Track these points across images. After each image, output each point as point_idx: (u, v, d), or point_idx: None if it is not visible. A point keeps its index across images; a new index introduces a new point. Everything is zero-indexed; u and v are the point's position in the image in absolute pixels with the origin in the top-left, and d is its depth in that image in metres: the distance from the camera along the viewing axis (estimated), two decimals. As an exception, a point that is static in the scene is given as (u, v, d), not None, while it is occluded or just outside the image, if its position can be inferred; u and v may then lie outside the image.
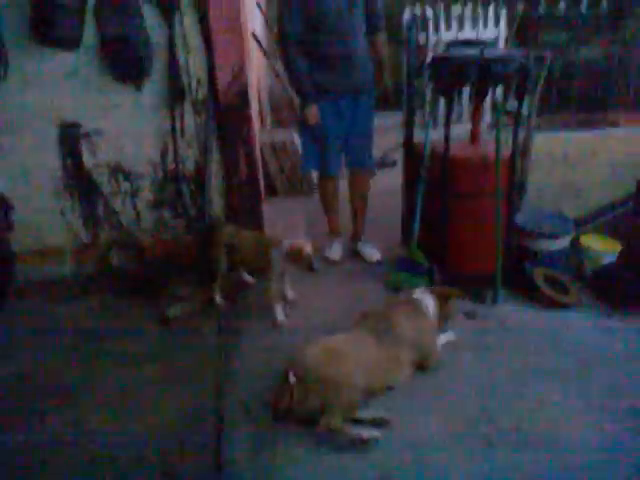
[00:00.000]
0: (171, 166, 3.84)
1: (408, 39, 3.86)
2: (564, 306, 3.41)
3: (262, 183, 4.10)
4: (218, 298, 3.58)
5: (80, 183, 3.83)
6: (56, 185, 3.82)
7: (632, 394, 2.71)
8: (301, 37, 3.56)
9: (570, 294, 3.47)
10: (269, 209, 4.60)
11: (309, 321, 3.40)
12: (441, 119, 6.28)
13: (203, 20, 3.50)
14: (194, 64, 3.62)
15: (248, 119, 3.74)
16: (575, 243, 3.77)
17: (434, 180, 3.67)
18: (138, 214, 3.95)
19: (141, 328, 3.44)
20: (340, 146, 3.90)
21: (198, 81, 3.66)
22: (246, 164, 3.80)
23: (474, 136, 3.68)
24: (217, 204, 3.93)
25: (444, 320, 3.06)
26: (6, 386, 3.01)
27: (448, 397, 2.74)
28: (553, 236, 3.63)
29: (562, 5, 6.69)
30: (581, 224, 4.01)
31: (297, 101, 3.91)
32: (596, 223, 4.07)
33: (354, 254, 4.26)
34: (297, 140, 5.58)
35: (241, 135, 3.74)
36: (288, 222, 4.94)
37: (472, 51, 3.32)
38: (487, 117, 6.84)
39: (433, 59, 3.54)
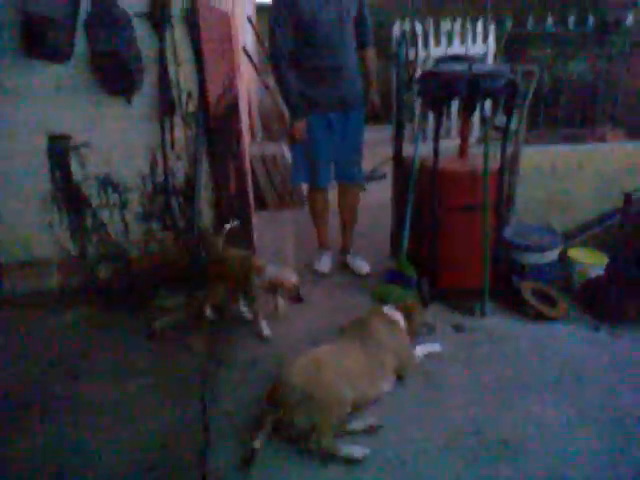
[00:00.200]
0: (160, 179, 3.84)
1: (398, 54, 3.89)
2: (552, 319, 3.43)
3: (252, 196, 4.09)
4: (208, 311, 3.55)
5: (68, 195, 3.82)
6: (44, 197, 3.81)
7: (620, 406, 2.72)
8: (292, 52, 3.58)
9: (558, 307, 3.48)
10: (259, 222, 4.60)
11: (297, 333, 3.40)
12: (430, 133, 6.34)
13: (194, 33, 3.51)
14: (184, 77, 3.62)
15: (238, 132, 3.75)
16: (563, 256, 3.79)
17: (423, 194, 3.69)
18: (127, 226, 3.94)
19: (128, 341, 3.43)
20: (330, 159, 3.92)
21: (188, 94, 3.66)
22: (236, 177, 3.81)
23: (463, 150, 3.70)
24: (207, 217, 3.93)
25: (413, 333, 3.11)
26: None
27: (435, 409, 2.74)
28: (541, 249, 3.65)
29: (549, 21, 6.78)
30: (569, 237, 4.04)
31: (287, 114, 3.93)
32: (584, 236, 4.10)
33: (343, 267, 4.26)
34: (287, 153, 5.60)
35: (231, 148, 3.75)
36: (278, 234, 4.96)
37: (461, 66, 3.35)
38: (476, 132, 6.90)
39: (422, 74, 3.57)
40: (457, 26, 7.33)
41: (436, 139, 3.52)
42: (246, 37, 6.57)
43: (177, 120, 3.71)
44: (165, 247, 4.00)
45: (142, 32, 3.50)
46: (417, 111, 6.85)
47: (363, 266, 4.17)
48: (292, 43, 3.56)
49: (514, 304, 3.55)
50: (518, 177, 3.94)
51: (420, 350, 3.08)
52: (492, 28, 7.26)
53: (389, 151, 4.35)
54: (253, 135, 6.65)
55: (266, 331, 3.36)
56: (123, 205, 3.89)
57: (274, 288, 3.28)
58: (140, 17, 3.47)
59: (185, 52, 3.58)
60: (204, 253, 3.72)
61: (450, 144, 4.08)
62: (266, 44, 6.74)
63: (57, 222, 3.88)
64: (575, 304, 3.59)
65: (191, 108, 3.69)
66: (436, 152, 3.50)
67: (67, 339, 3.49)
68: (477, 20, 7.24)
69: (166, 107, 3.64)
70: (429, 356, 3.09)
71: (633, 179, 3.90)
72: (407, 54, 3.92)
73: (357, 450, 2.43)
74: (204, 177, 3.80)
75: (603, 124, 6.09)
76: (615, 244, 3.54)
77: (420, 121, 4.58)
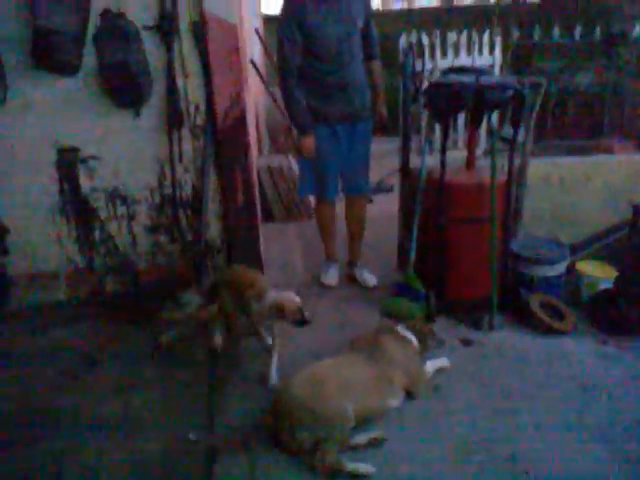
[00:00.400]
0: (168, 191, 3.84)
1: (404, 66, 3.90)
2: (560, 332, 3.40)
3: (259, 208, 4.10)
4: (217, 338, 3.32)
5: (77, 208, 3.84)
6: (52, 209, 3.82)
7: (629, 421, 2.69)
8: (300, 66, 3.59)
9: (566, 320, 3.46)
10: (266, 234, 4.60)
11: (303, 346, 3.38)
12: (437, 145, 6.33)
13: (202, 46, 3.52)
14: (192, 90, 3.64)
15: (246, 144, 3.76)
16: (571, 269, 3.77)
17: (430, 206, 3.68)
18: (134, 239, 3.95)
19: (134, 353, 3.42)
20: (337, 171, 3.92)
21: (196, 106, 3.68)
22: (243, 189, 3.81)
23: (470, 162, 3.70)
24: (214, 229, 3.93)
25: (424, 351, 3.08)
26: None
27: (443, 423, 2.72)
28: (549, 262, 3.63)
29: (556, 32, 6.78)
30: (577, 250, 4.02)
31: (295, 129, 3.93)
32: (592, 249, 4.08)
33: (350, 279, 4.25)
34: (294, 165, 5.60)
35: (239, 160, 3.75)
36: (285, 246, 4.95)
37: (468, 78, 3.35)
38: (483, 143, 6.89)
39: (429, 86, 3.58)
40: (463, 37, 7.34)
41: (443, 151, 3.52)
42: (254, 49, 6.60)
43: (185, 132, 3.72)
44: (172, 259, 4.01)
45: (150, 45, 3.52)
46: (424, 123, 6.85)
47: (370, 279, 4.16)
48: (301, 58, 3.57)
49: (522, 317, 3.53)
50: (525, 189, 3.92)
51: (430, 366, 3.05)
52: (499, 39, 7.27)
53: (396, 163, 4.35)
54: (260, 147, 6.66)
55: (273, 380, 3.06)
56: (131, 217, 3.90)
57: (277, 313, 2.96)
58: (148, 30, 3.49)
59: (193, 65, 3.59)
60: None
61: (457, 155, 4.08)
62: (274, 57, 6.78)
63: (65, 234, 3.89)
64: (583, 317, 3.57)
65: (199, 120, 3.70)
66: (443, 164, 3.50)
67: (74, 351, 3.49)
68: (484, 31, 7.24)
69: (174, 119, 3.65)
70: (437, 370, 3.08)
71: (641, 191, 3.89)
72: (414, 66, 3.91)
73: (363, 467, 2.40)
74: (212, 189, 3.81)
75: (611, 136, 6.08)
76: (624, 257, 3.52)
77: (427, 133, 4.58)
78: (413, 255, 3.79)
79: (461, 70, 3.69)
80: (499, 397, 2.89)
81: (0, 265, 3.77)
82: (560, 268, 3.66)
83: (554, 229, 4.08)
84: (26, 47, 3.38)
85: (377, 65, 3.94)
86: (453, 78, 3.44)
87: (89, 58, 3.48)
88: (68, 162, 3.72)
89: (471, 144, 3.75)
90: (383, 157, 5.88)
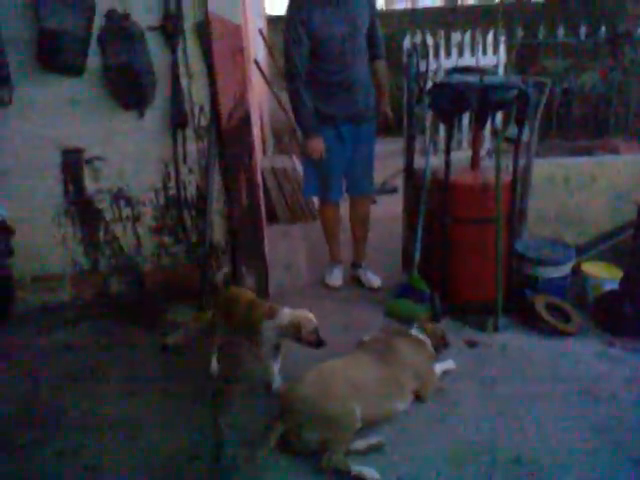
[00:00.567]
0: (173, 192, 3.85)
1: (408, 66, 3.89)
2: (565, 333, 3.39)
3: (263, 209, 4.09)
4: (214, 363, 3.18)
5: (81, 209, 3.84)
6: (57, 211, 3.83)
7: (634, 423, 2.68)
8: (306, 66, 3.59)
9: (571, 321, 3.45)
10: (270, 235, 4.60)
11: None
12: (441, 145, 6.32)
13: (206, 46, 3.52)
14: (197, 90, 3.64)
15: (250, 145, 3.75)
16: (576, 270, 3.76)
17: (435, 206, 3.67)
18: (139, 240, 3.95)
19: (140, 355, 3.43)
20: (342, 173, 3.92)
21: (200, 107, 3.68)
22: (248, 190, 3.81)
23: (474, 162, 3.69)
24: (218, 230, 3.93)
25: (437, 356, 3.08)
26: (2, 412, 2.99)
27: (448, 426, 2.71)
28: (554, 263, 3.61)
29: (561, 32, 6.75)
30: (582, 251, 4.01)
31: (299, 130, 3.93)
32: (597, 250, 4.06)
33: (354, 280, 4.24)
34: (298, 166, 5.60)
35: (243, 161, 3.75)
36: (289, 248, 4.95)
37: (472, 78, 3.35)
38: (487, 143, 6.87)
39: (433, 86, 3.56)
40: (467, 37, 7.32)
41: (447, 151, 3.51)
42: (257, 49, 6.60)
43: (189, 133, 3.72)
44: (177, 261, 4.01)
45: (154, 46, 3.52)
46: (428, 123, 6.85)
47: (374, 280, 4.15)
48: (308, 60, 3.56)
49: (527, 319, 3.52)
50: (530, 189, 3.91)
51: (438, 368, 3.04)
52: (503, 39, 7.25)
53: (400, 163, 4.34)
54: (264, 148, 6.66)
55: (276, 383, 2.95)
56: (136, 218, 3.90)
57: (291, 332, 2.81)
58: (153, 31, 3.49)
59: (197, 65, 3.60)
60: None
61: (461, 156, 4.06)
62: (277, 57, 6.79)
63: (70, 236, 3.90)
64: (589, 318, 3.55)
65: (203, 121, 3.70)
66: (447, 164, 3.49)
67: (79, 353, 3.49)
68: (488, 31, 7.22)
69: (178, 120, 3.65)
70: (443, 372, 3.06)
71: (647, 191, 3.88)
72: (418, 66, 3.90)
73: (368, 471, 2.38)
74: (216, 190, 3.81)
75: (616, 136, 6.06)
76: (629, 257, 3.50)
77: (431, 133, 4.56)
78: (417, 256, 3.78)
79: (465, 70, 3.69)
80: (504, 399, 2.88)
81: (5, 266, 3.77)
82: (565, 269, 3.65)
83: (559, 230, 4.07)
84: (31, 48, 3.40)
85: (382, 65, 3.93)
86: (457, 78, 3.43)
87: (94, 59, 3.48)
88: (73, 163, 3.72)
89: (475, 144, 3.74)
90: (387, 158, 5.87)
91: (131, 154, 3.75)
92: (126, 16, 3.42)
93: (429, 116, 6.59)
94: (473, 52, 7.32)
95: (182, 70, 3.59)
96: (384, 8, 15.37)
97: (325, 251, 4.31)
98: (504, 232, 3.46)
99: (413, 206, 3.99)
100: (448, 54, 7.38)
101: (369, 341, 3.07)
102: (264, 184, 5.38)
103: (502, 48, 7.22)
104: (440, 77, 6.49)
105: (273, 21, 9.12)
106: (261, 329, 2.86)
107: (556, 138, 5.64)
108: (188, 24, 3.51)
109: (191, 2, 3.47)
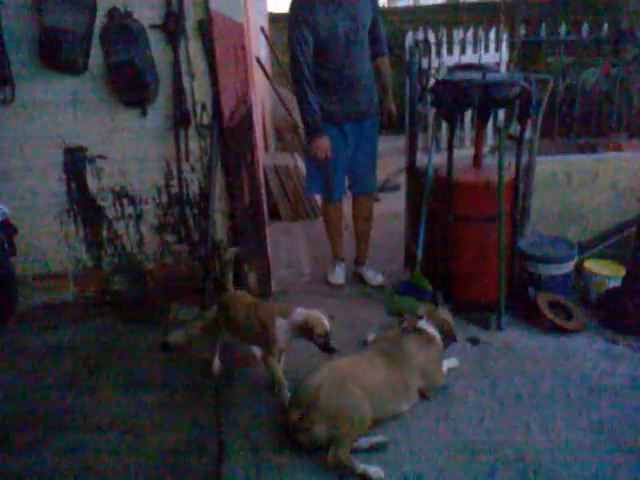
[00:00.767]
0: (175, 190, 3.85)
1: (410, 63, 3.89)
2: (568, 331, 3.39)
3: (266, 207, 4.10)
4: (216, 361, 3.17)
5: (84, 207, 3.85)
6: (60, 209, 3.84)
7: (637, 421, 2.67)
8: (311, 65, 3.58)
9: (574, 319, 3.45)
10: (273, 233, 4.60)
11: (310, 345, 3.35)
12: (444, 143, 6.31)
13: (208, 45, 3.52)
14: (199, 89, 3.64)
15: (252, 143, 3.75)
16: (579, 268, 3.75)
17: (437, 204, 3.67)
18: (142, 238, 3.96)
19: (142, 353, 3.43)
20: (344, 171, 3.91)
21: (203, 105, 3.67)
22: (250, 188, 3.81)
23: (477, 160, 3.68)
24: (221, 228, 3.93)
25: (445, 348, 3.05)
26: (3, 411, 3.00)
27: (451, 424, 2.71)
28: (557, 260, 3.61)
29: (563, 29, 6.73)
30: (585, 248, 4.00)
31: (302, 127, 3.92)
32: (600, 247, 4.05)
33: (357, 278, 4.25)
34: (300, 164, 5.60)
35: (245, 159, 3.75)
36: (292, 245, 4.95)
37: (474, 75, 3.34)
38: (490, 141, 6.86)
39: (435, 83, 3.56)
40: (470, 35, 7.31)
41: (450, 149, 3.51)
42: (259, 47, 6.59)
43: (191, 132, 3.72)
44: (180, 259, 4.01)
45: (157, 44, 3.52)
46: (430, 120, 6.83)
47: (377, 277, 4.16)
48: (312, 60, 3.56)
49: (530, 316, 3.52)
50: (533, 187, 3.90)
51: (445, 366, 3.03)
52: (505, 36, 7.23)
53: (402, 161, 4.34)
54: (266, 146, 6.66)
55: (280, 382, 2.89)
56: (138, 217, 3.91)
57: (304, 332, 2.79)
58: (155, 29, 3.49)
59: (199, 63, 3.59)
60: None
61: (464, 153, 4.06)
62: (279, 55, 6.79)
63: (73, 234, 3.90)
64: (592, 316, 3.55)
65: (205, 120, 3.70)
66: (450, 162, 3.49)
67: (81, 351, 3.50)
68: (490, 28, 7.20)
69: (180, 118, 3.65)
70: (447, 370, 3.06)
71: (650, 189, 3.87)
72: (420, 63, 3.90)
73: (373, 469, 2.38)
74: (218, 188, 3.81)
75: (619, 133, 6.03)
76: (632, 255, 3.50)
77: (434, 131, 4.54)
78: (420, 254, 3.78)
79: (467, 67, 3.68)
80: (506, 396, 2.88)
81: (9, 265, 3.78)
82: (568, 267, 3.64)
83: (562, 227, 4.06)
84: (33, 46, 3.40)
85: (385, 62, 3.93)
86: (460, 75, 3.42)
87: (96, 57, 3.49)
88: (75, 162, 3.73)
89: (478, 142, 3.74)
90: (389, 156, 5.88)
91: (133, 152, 3.75)
92: (128, 14, 3.42)
93: (431, 114, 6.58)
94: (475, 49, 7.30)
95: (184, 68, 3.58)
96: (386, 5, 15.34)
97: (327, 248, 4.31)
98: (507, 230, 3.46)
99: (415, 204, 3.98)
100: (450, 51, 7.36)
101: (379, 340, 3.06)
102: (266, 182, 5.38)
103: (504, 45, 7.20)
104: (442, 75, 6.48)
105: (275, 19, 9.11)
106: (274, 327, 2.83)
107: (558, 135, 5.61)
108: (190, 22, 3.51)
109: (193, 0, 3.47)
